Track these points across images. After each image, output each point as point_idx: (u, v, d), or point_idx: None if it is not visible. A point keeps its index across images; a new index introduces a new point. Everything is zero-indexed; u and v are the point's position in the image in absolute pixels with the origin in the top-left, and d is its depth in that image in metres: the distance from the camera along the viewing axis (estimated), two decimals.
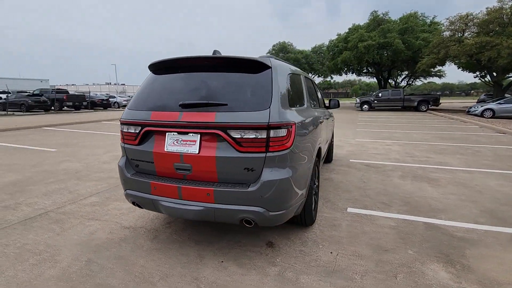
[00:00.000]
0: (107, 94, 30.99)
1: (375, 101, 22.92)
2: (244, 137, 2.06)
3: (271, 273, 2.21)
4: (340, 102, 5.13)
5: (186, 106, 2.19)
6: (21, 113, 18.40)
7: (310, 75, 28.10)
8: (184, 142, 2.20)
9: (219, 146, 2.13)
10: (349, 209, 3.42)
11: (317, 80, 46.42)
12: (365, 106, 23.27)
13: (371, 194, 3.92)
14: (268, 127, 2.05)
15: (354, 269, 2.28)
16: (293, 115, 2.28)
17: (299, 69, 3.28)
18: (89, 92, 24.87)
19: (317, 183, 3.18)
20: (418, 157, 6.23)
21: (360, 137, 9.10)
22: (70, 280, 2.14)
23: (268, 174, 2.09)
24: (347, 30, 28.32)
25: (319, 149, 3.17)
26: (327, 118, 4.27)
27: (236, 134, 2.07)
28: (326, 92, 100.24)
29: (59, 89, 22.49)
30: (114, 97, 27.20)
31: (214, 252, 2.51)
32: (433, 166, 5.44)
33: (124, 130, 2.48)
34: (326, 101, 4.92)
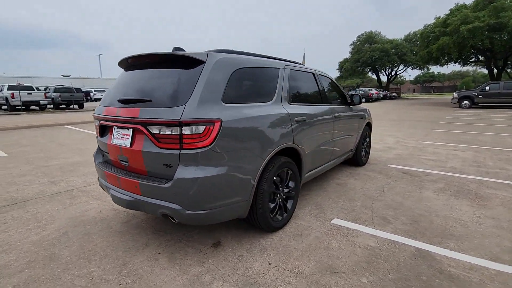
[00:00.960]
0: None
1: (479, 96, 18.82)
2: (161, 133, 2.07)
3: (191, 273, 2.18)
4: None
5: (122, 102, 2.33)
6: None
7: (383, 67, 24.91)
8: (122, 136, 2.35)
9: (145, 141, 2.19)
10: (334, 220, 3.01)
11: (415, 72, 41.04)
12: (465, 102, 19.38)
13: (377, 207, 3.34)
14: (180, 124, 2.00)
15: (277, 286, 2.03)
16: (222, 112, 2.15)
17: (278, 62, 3.01)
18: None
19: (293, 186, 2.91)
20: (488, 167, 4.93)
21: (427, 139, 7.73)
22: (39, 246, 2.57)
23: (182, 172, 2.05)
24: (447, 12, 23.94)
25: (295, 149, 2.89)
26: (336, 116, 3.80)
27: (155, 130, 2.09)
28: (427, 85, 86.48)
29: None
30: None
31: (160, 242, 2.61)
32: (499, 180, 4.24)
33: (95, 123, 2.81)
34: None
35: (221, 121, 2.11)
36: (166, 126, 2.03)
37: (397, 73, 43.73)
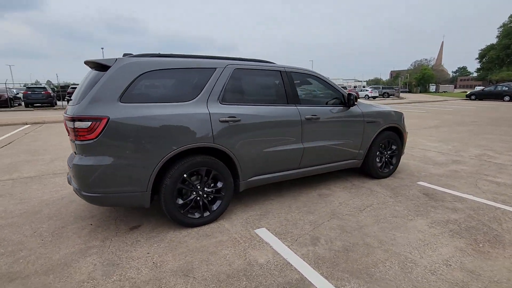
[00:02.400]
0: None
1: None
2: (69, 127, 2.53)
3: (88, 244, 2.58)
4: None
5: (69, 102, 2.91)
6: None
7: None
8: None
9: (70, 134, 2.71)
10: (260, 230, 2.82)
11: None
12: None
13: (326, 226, 2.89)
14: (73, 119, 2.40)
15: (127, 272, 2.19)
16: (112, 110, 2.42)
17: (215, 62, 2.98)
18: None
19: (220, 187, 2.91)
20: None
21: None
22: (3, 219, 3.37)
23: (76, 159, 2.46)
24: None
25: (221, 150, 2.85)
26: (309, 118, 3.41)
27: (70, 124, 2.56)
28: None
29: None
30: None
31: (101, 217, 3.13)
32: None
33: None
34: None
35: (108, 118, 2.39)
36: (69, 121, 2.47)
37: None
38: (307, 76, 3.67)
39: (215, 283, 2.06)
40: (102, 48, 43.56)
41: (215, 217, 2.96)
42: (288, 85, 3.39)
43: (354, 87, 38.14)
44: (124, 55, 2.88)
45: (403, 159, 5.32)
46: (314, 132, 3.51)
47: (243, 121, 2.97)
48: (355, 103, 3.84)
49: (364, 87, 38.33)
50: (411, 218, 3.04)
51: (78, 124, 2.40)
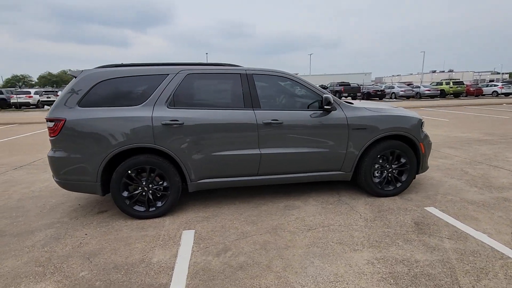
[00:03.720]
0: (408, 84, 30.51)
1: None
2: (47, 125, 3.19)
3: (49, 221, 3.23)
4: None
5: None
6: None
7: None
8: None
9: None
10: (186, 232, 2.91)
11: None
12: None
13: (238, 244, 2.73)
14: (46, 120, 3.05)
15: (57, 247, 2.67)
16: (69, 113, 2.95)
17: (167, 69, 3.17)
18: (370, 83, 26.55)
19: (166, 185, 3.15)
20: None
21: None
22: (36, 192, 4.49)
23: (49, 152, 3.11)
24: None
25: (163, 151, 3.06)
26: (269, 123, 3.20)
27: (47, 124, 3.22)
28: None
29: (343, 82, 26.37)
30: (393, 87, 26.86)
31: (94, 200, 3.81)
32: None
33: None
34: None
35: (65, 120, 2.94)
36: (46, 122, 3.14)
37: None
38: (276, 78, 3.43)
39: (100, 270, 2.31)
40: (207, 53, 49.25)
41: (160, 213, 3.19)
42: (246, 88, 3.28)
43: (408, 84, 30.58)
44: (98, 67, 3.37)
45: (441, 173, 4.27)
46: (276, 138, 3.28)
47: (187, 125, 3.08)
48: (333, 106, 3.36)
49: (492, 81, 30.60)
50: (358, 248, 2.51)
51: (48, 124, 3.04)
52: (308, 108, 3.41)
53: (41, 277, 2.24)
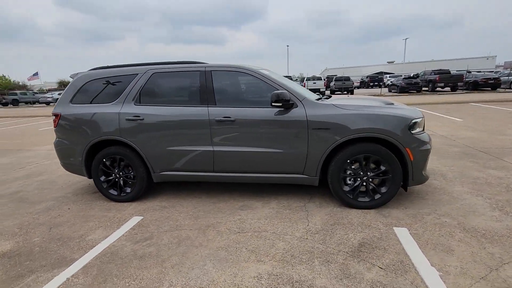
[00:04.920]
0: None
1: None
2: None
3: (59, 195, 4.00)
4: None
5: None
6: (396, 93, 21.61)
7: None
8: None
9: None
10: (135, 218, 3.21)
11: None
12: None
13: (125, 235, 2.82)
14: (52, 114, 3.80)
15: (54, 213, 3.36)
16: (63, 109, 3.60)
17: (138, 69, 3.47)
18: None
19: (133, 174, 3.53)
20: None
21: None
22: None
23: (54, 140, 3.87)
24: None
25: (127, 143, 3.42)
26: (221, 120, 3.17)
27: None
28: None
29: (440, 70, 22.16)
30: None
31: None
32: None
33: None
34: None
35: (60, 114, 3.61)
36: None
37: None
38: (235, 74, 3.33)
39: (48, 238, 2.82)
40: (288, 46, 48.51)
41: (129, 198, 3.59)
42: (203, 85, 3.31)
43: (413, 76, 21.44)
44: (90, 69, 3.92)
45: (469, 188, 3.40)
46: (228, 135, 3.22)
47: (146, 120, 3.35)
48: (294, 103, 3.05)
49: None
50: (264, 260, 2.31)
51: (52, 118, 3.78)
52: (262, 105, 3.20)
53: (12, 236, 2.89)
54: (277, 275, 2.13)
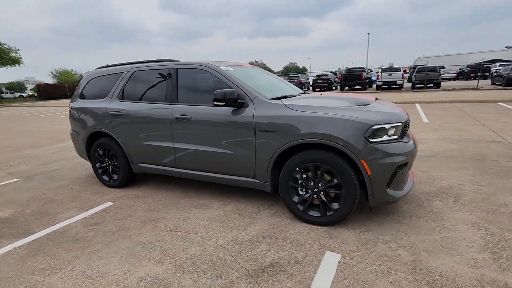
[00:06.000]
0: None
1: None
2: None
3: (75, 176, 4.70)
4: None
5: None
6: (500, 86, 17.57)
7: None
8: None
9: None
10: (104, 205, 3.56)
11: None
12: None
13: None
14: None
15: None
16: (73, 104, 4.21)
17: (124, 67, 3.76)
18: None
19: (116, 163, 3.92)
20: None
21: None
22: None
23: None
24: None
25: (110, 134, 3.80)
26: (180, 118, 3.20)
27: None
28: None
29: None
30: None
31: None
32: None
33: None
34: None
35: (71, 107, 4.24)
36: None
37: None
38: (197, 72, 3.27)
39: (30, 211, 3.39)
40: (369, 34, 43.62)
41: (115, 185, 3.99)
42: (169, 82, 3.38)
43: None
44: (96, 68, 4.42)
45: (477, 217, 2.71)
46: (185, 133, 3.24)
47: (124, 115, 3.64)
48: (245, 102, 2.85)
49: None
50: (154, 259, 2.29)
51: (68, 110, 4.46)
52: (213, 104, 3.07)
53: (17, 206, 3.58)
54: (160, 280, 2.09)
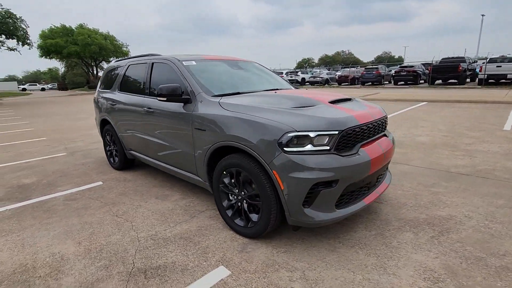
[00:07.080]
0: None
1: None
2: None
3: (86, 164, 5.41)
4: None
5: None
6: None
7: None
8: None
9: None
10: (94, 183, 4.02)
11: None
12: None
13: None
14: None
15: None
16: (96, 92, 4.83)
17: (125, 61, 4.10)
18: None
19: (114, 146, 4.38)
20: None
21: None
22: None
23: None
24: None
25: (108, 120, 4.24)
26: (149, 110, 3.34)
27: None
28: None
29: None
30: None
31: None
32: None
33: None
34: None
35: (96, 97, 4.88)
36: None
37: None
38: (164, 66, 3.29)
39: (20, 195, 4.10)
40: (483, 15, 34.20)
41: (118, 167, 4.46)
42: (148, 76, 3.53)
43: None
44: (114, 61, 4.92)
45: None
46: (151, 125, 3.37)
47: (116, 105, 4.01)
48: (189, 98, 2.79)
49: None
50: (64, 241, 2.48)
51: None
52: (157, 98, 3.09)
53: (42, 176, 4.38)
54: (63, 259, 2.28)
